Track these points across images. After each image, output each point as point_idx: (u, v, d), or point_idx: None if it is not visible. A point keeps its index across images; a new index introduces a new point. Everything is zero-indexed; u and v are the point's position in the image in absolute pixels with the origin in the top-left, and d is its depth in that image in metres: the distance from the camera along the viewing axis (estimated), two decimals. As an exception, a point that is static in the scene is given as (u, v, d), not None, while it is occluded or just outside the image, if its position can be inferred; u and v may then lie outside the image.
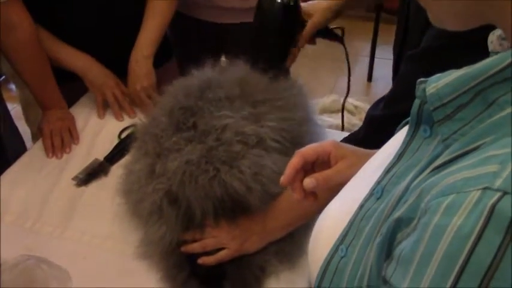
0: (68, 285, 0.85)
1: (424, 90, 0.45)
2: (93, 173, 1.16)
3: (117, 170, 1.13)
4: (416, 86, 0.46)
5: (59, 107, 1.31)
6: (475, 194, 0.35)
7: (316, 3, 1.14)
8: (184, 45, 1.56)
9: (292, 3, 1.07)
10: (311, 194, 0.66)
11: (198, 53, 1.09)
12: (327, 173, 0.65)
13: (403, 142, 0.51)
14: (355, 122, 2.20)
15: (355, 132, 0.95)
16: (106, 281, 0.91)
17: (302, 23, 1.11)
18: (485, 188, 0.35)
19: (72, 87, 1.35)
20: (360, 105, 2.37)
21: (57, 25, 1.30)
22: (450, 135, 0.42)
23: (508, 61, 0.39)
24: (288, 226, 0.89)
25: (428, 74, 0.76)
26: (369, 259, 0.47)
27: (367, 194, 0.52)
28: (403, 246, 0.41)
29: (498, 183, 0.35)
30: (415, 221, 0.40)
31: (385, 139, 0.63)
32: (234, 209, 0.86)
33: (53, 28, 1.30)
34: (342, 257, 0.52)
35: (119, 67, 1.33)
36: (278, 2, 1.06)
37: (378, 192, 0.51)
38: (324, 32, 1.16)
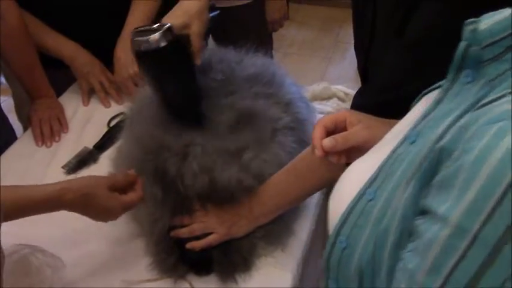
0: (62, 273, 0.85)
1: (472, 30, 0.44)
2: (82, 160, 1.17)
3: (106, 158, 1.13)
4: (464, 28, 0.46)
5: (47, 96, 1.30)
6: None
7: (184, 11, 0.93)
8: None
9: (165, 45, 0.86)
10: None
11: None
12: (345, 133, 0.68)
13: (441, 89, 0.50)
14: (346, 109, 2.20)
15: None
16: (97, 267, 0.92)
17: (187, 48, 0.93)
18: None
19: (58, 74, 1.34)
20: (350, 93, 2.36)
21: (42, 11, 1.29)
22: (497, 76, 0.43)
23: None
24: (275, 211, 0.90)
25: (423, 63, 0.76)
26: (399, 202, 0.47)
27: (400, 140, 0.52)
28: (443, 173, 0.41)
29: None
30: (456, 152, 0.41)
31: None
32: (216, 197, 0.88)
33: (39, 14, 1.29)
34: (369, 200, 0.52)
35: (105, 54, 1.33)
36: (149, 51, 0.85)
37: (412, 137, 0.51)
38: (209, 30, 1.00)
